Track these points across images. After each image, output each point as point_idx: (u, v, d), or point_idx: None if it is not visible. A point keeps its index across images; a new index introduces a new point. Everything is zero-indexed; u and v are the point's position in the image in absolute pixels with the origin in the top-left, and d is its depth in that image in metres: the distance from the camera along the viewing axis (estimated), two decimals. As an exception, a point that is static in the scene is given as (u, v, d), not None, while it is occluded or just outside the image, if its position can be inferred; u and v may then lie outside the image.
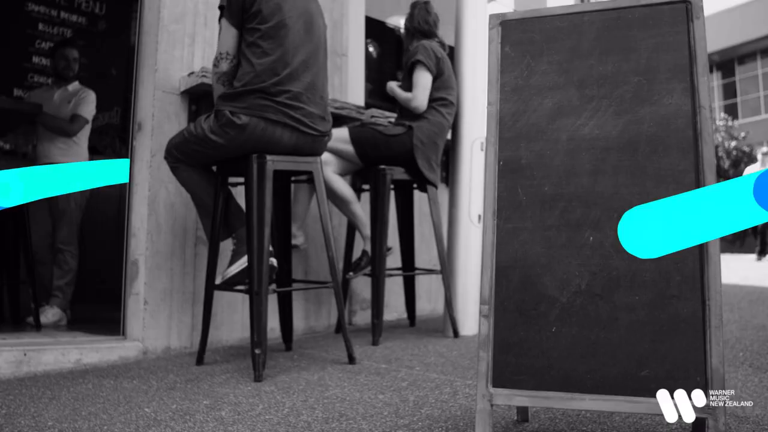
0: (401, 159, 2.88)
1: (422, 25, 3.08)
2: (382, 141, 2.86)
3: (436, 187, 2.97)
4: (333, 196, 2.85)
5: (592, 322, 1.31)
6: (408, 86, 2.97)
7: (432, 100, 2.93)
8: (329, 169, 2.81)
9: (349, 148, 2.86)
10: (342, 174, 2.93)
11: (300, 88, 2.22)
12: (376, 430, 1.52)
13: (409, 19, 3.12)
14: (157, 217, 2.60)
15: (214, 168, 2.39)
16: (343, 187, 2.86)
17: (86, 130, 3.63)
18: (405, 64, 3.02)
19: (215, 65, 2.25)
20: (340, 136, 2.83)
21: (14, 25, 5.06)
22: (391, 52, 4.43)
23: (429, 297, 3.81)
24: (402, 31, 3.23)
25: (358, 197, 2.99)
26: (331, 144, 2.72)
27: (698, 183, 1.29)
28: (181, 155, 2.31)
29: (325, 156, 2.72)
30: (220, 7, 2.25)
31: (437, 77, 2.95)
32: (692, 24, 1.35)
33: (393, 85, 3.04)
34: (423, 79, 2.91)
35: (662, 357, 1.26)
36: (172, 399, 1.86)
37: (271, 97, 2.17)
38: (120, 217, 3.31)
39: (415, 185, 3.14)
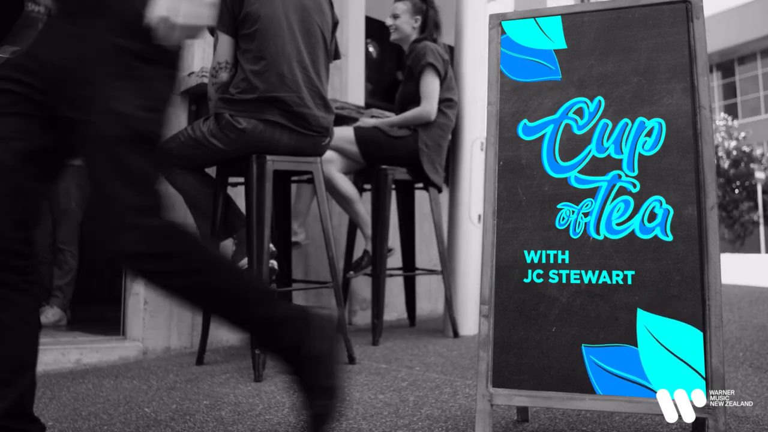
0: (405, 161, 2.87)
1: (437, 21, 3.04)
2: (387, 143, 2.85)
3: (440, 190, 2.96)
4: (336, 194, 2.84)
5: (592, 322, 1.31)
6: (414, 87, 2.94)
7: (438, 102, 2.92)
8: (333, 167, 2.79)
9: (353, 148, 2.84)
10: (345, 172, 2.92)
11: (296, 90, 2.19)
12: (376, 430, 1.52)
13: (430, 5, 3.03)
14: (157, 217, 2.59)
15: (208, 169, 2.38)
16: (346, 185, 2.85)
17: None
18: (412, 61, 2.92)
19: (213, 75, 2.22)
20: (345, 135, 2.82)
21: (14, 25, 5.05)
22: (391, 52, 4.42)
23: (429, 297, 3.81)
24: (405, 15, 3.03)
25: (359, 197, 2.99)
26: (335, 143, 2.70)
27: (698, 183, 1.29)
28: (177, 159, 2.29)
29: (330, 154, 2.70)
30: None
31: (442, 80, 2.93)
32: (692, 24, 1.35)
33: (396, 119, 2.93)
34: (433, 88, 2.87)
35: (662, 357, 1.26)
36: (172, 399, 1.86)
37: (268, 102, 2.16)
38: (120, 217, 3.31)
39: (417, 185, 3.13)
